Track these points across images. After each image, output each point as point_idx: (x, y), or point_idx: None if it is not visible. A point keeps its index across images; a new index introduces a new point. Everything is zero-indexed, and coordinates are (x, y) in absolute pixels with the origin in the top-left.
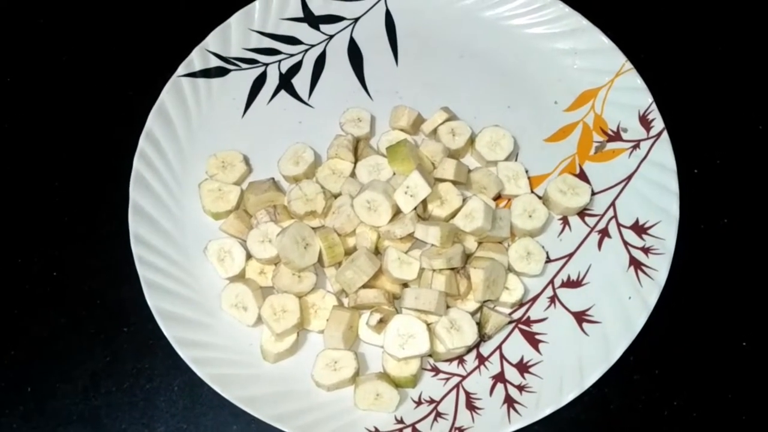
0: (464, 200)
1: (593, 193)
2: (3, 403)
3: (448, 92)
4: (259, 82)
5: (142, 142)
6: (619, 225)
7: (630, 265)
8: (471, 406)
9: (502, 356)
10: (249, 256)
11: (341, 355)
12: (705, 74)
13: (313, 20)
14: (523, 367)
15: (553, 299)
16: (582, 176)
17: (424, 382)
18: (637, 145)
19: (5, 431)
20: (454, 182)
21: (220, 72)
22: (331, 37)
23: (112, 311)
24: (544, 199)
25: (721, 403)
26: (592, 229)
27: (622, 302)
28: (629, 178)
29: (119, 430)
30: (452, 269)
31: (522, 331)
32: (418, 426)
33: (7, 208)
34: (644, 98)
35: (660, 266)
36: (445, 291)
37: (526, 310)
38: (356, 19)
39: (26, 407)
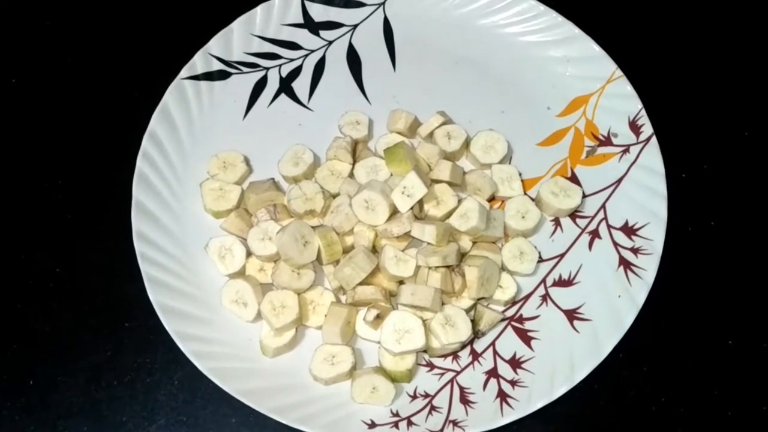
0: (459, 201)
1: (584, 196)
2: (5, 395)
3: (444, 97)
4: (260, 86)
5: (146, 142)
6: (609, 226)
7: (619, 265)
8: (465, 400)
9: (495, 352)
10: (249, 254)
11: (339, 350)
12: (693, 82)
13: (313, 26)
14: (515, 363)
15: (545, 297)
16: (573, 179)
17: (419, 377)
18: (626, 149)
19: (7, 423)
20: (450, 183)
21: (222, 75)
22: (330, 42)
23: (114, 306)
24: (536, 201)
25: (707, 400)
26: (583, 230)
27: (611, 301)
28: (619, 181)
29: (120, 422)
30: (447, 267)
31: (515, 329)
32: (413, 419)
33: (12, 204)
34: (634, 104)
35: (648, 266)
36: (441, 288)
37: (519, 308)
38: (355, 26)
39: (28, 400)
